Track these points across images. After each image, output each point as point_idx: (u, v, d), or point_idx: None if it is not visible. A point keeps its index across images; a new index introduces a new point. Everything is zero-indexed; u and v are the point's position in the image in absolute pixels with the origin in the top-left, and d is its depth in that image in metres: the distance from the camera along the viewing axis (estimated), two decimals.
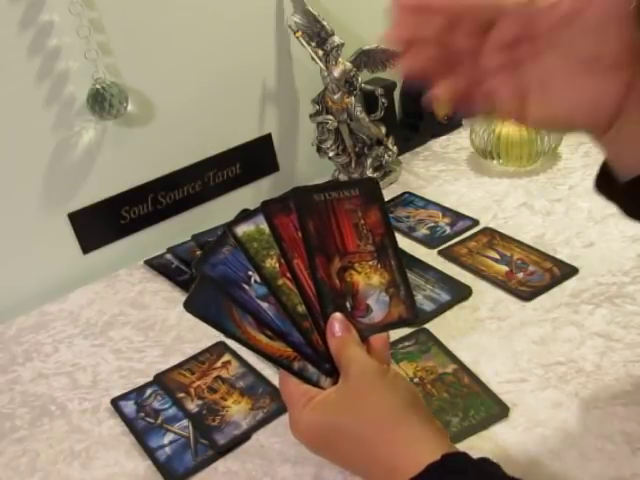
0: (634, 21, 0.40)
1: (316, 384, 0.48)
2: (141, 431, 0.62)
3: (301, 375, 0.48)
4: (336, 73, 0.90)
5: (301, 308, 0.49)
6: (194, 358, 0.70)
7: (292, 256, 0.50)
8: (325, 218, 0.51)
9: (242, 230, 0.50)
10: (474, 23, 0.44)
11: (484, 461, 0.43)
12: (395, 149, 0.99)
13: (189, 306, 0.49)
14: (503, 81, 0.44)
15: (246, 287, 0.49)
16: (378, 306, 0.50)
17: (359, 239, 0.51)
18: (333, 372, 0.48)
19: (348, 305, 0.50)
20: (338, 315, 0.49)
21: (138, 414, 0.64)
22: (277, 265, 0.50)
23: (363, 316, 0.50)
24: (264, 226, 0.50)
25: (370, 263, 0.51)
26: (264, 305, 0.49)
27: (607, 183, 0.46)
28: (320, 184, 0.54)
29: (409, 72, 0.45)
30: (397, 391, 0.46)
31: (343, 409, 0.45)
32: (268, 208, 0.51)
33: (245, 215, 0.51)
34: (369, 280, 0.51)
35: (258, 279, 0.49)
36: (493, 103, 0.44)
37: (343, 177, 0.98)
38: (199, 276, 0.50)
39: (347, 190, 0.53)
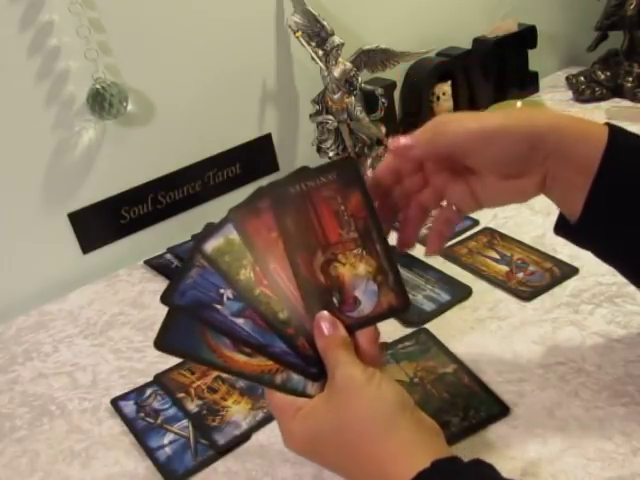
0: (520, 139, 0.49)
1: (302, 393, 0.47)
2: (141, 431, 0.62)
3: (285, 388, 0.47)
4: (336, 73, 0.90)
5: (282, 315, 0.47)
6: None
7: (268, 261, 0.48)
8: (303, 211, 0.49)
9: (211, 246, 0.48)
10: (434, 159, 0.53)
11: (477, 462, 0.42)
12: None
13: (161, 345, 0.47)
14: (460, 189, 0.54)
15: (219, 307, 0.47)
16: (367, 297, 0.48)
17: (341, 227, 0.49)
18: (321, 375, 0.47)
19: (335, 300, 0.47)
20: (325, 314, 0.47)
21: (138, 414, 0.64)
22: (252, 275, 0.48)
23: (352, 310, 0.47)
24: (234, 236, 0.48)
25: (355, 252, 0.48)
26: (239, 321, 0.47)
27: (564, 227, 0.54)
28: (294, 174, 0.50)
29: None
30: (383, 397, 0.45)
31: (330, 417, 0.45)
32: (236, 215, 0.48)
33: (211, 229, 0.49)
34: (355, 270, 0.48)
35: (231, 295, 0.47)
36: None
37: None
38: (168, 310, 0.48)
39: (324, 176, 0.49)
